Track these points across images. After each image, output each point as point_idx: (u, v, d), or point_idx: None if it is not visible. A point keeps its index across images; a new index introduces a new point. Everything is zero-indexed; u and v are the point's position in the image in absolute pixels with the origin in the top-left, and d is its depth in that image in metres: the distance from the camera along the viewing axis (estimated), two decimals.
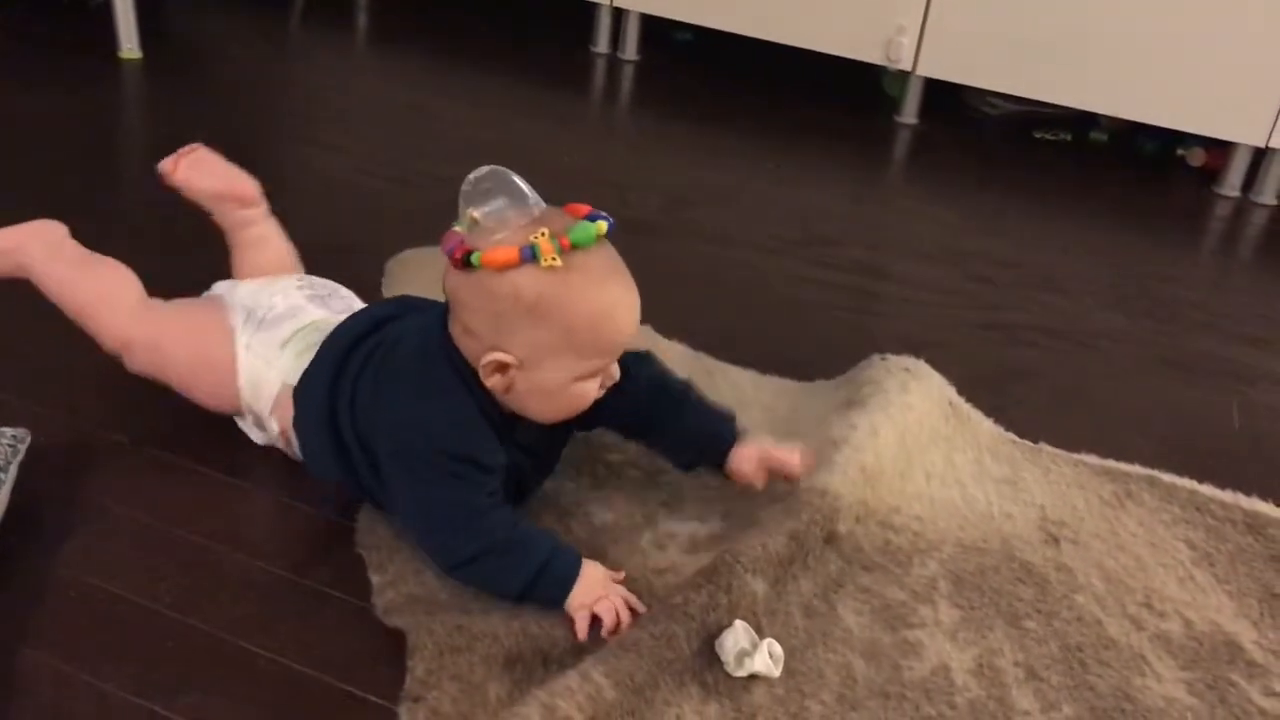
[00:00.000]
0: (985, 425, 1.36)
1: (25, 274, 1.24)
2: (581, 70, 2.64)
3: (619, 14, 2.66)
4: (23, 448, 1.09)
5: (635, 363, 1.12)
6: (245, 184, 1.32)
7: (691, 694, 0.94)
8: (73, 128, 1.98)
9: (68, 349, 1.26)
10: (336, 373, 1.07)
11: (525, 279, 0.96)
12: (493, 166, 0.98)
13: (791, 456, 1.13)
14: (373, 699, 0.92)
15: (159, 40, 2.33)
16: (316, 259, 1.35)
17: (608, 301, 0.99)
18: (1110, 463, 1.32)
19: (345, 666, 0.95)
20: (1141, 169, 2.42)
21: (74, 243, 1.26)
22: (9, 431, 1.09)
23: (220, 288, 1.24)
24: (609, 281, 0.99)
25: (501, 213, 0.96)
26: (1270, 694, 1.02)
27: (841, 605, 1.06)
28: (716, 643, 0.97)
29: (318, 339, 1.12)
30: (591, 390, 1.03)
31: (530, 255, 0.95)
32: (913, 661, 1.01)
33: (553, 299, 0.97)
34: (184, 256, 1.36)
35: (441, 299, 1.05)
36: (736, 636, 0.97)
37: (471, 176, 0.98)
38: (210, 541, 1.08)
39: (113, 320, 1.20)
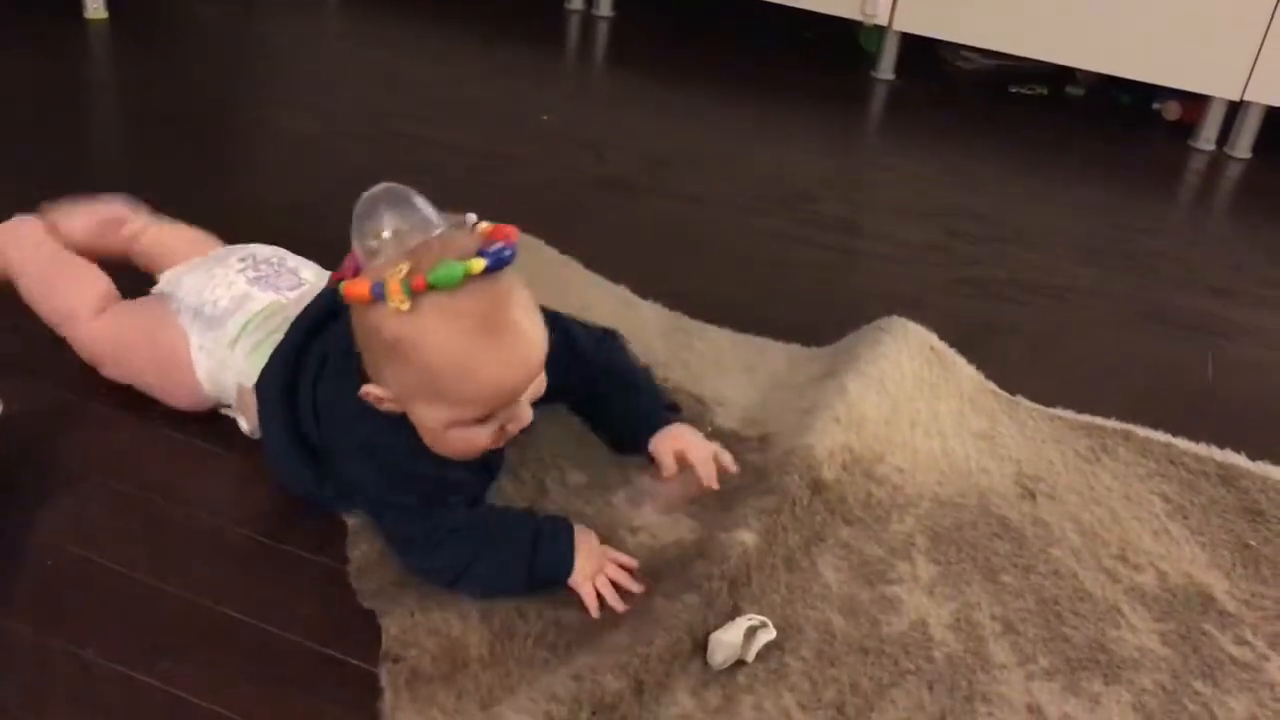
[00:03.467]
0: (968, 372, 1.36)
1: (6, 277, 1.24)
2: (556, 28, 2.61)
3: None
4: None
5: (594, 344, 1.10)
6: (113, 206, 1.29)
7: (690, 671, 0.94)
8: (37, 89, 1.94)
9: (38, 317, 1.25)
10: (292, 380, 1.03)
11: (382, 317, 0.89)
12: (389, 184, 0.90)
13: (707, 466, 1.06)
14: (353, 662, 0.93)
15: (125, 0, 2.29)
16: (287, 219, 1.34)
17: (468, 354, 0.88)
18: (1086, 417, 1.33)
19: (324, 630, 0.95)
20: (1117, 123, 2.42)
21: (50, 243, 1.24)
22: None
23: (166, 283, 1.19)
24: (475, 332, 0.88)
25: (394, 234, 0.89)
26: (1242, 643, 1.03)
27: (821, 560, 1.07)
28: (713, 637, 0.95)
29: (265, 333, 1.08)
30: (480, 437, 0.94)
31: (379, 294, 0.87)
32: (891, 617, 1.02)
33: (408, 343, 0.89)
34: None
35: None
36: (732, 639, 0.94)
37: (366, 194, 0.90)
38: (187, 507, 1.07)
39: (77, 335, 1.19)
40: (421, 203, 0.91)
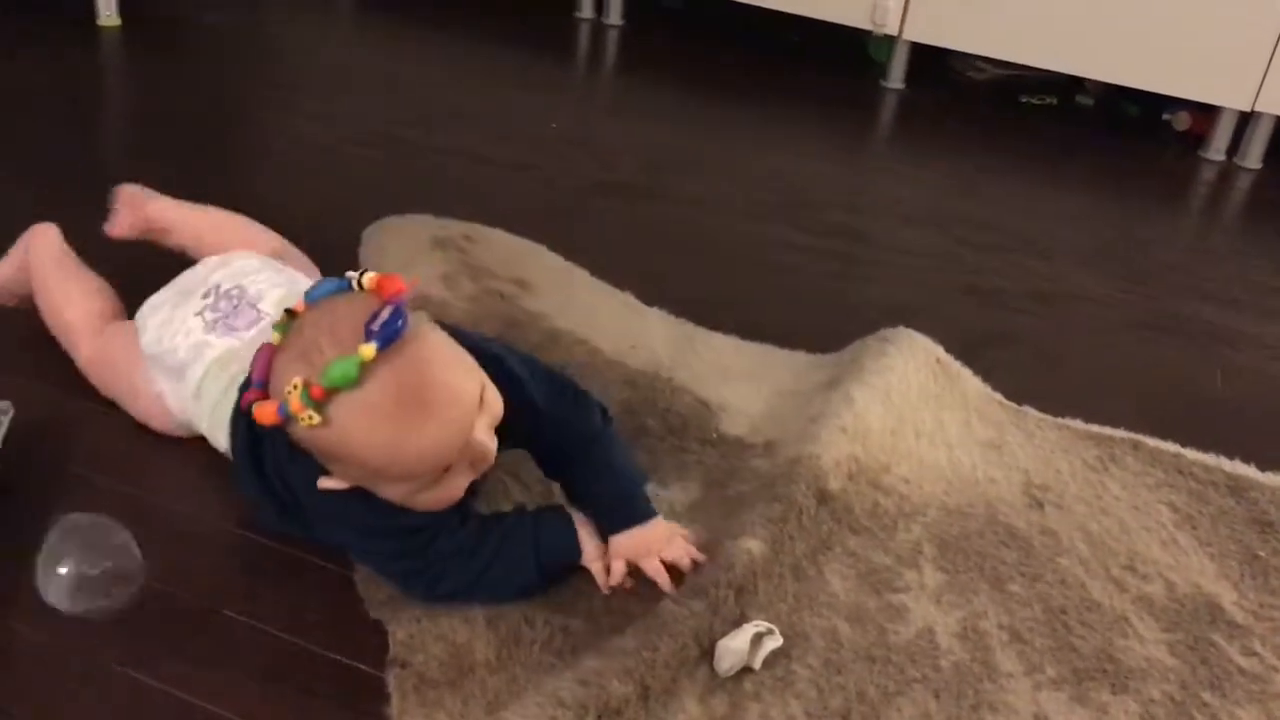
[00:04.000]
0: (974, 383, 1.36)
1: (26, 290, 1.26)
2: (566, 36, 2.61)
3: None
4: (5, 420, 1.08)
5: (550, 394, 1.02)
6: (131, 189, 1.31)
7: (697, 679, 0.94)
8: (51, 96, 1.95)
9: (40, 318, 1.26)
10: (257, 447, 0.99)
11: (302, 431, 0.86)
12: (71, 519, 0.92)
13: (660, 576, 1.00)
14: (361, 667, 0.93)
15: (137, 7, 2.30)
16: (293, 224, 1.34)
17: (396, 437, 0.85)
18: (1094, 427, 1.32)
19: (332, 635, 0.95)
20: (1127, 133, 2.42)
21: (64, 256, 1.26)
22: None
23: (144, 310, 1.17)
24: (395, 415, 0.85)
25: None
26: (1250, 653, 1.03)
27: (828, 569, 1.07)
28: (720, 644, 0.94)
29: (223, 383, 1.06)
30: (450, 489, 0.92)
31: (286, 415, 0.85)
32: (898, 625, 1.02)
33: (335, 447, 0.87)
34: None
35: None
36: (739, 646, 0.94)
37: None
38: (193, 511, 1.08)
39: (75, 357, 1.21)
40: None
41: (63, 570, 0.91)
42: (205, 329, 1.11)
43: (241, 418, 0.98)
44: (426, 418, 0.86)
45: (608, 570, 1.00)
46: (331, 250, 1.29)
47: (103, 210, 1.30)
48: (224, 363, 1.08)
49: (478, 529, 0.98)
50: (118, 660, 0.91)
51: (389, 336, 0.84)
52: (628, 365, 1.33)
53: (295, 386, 0.84)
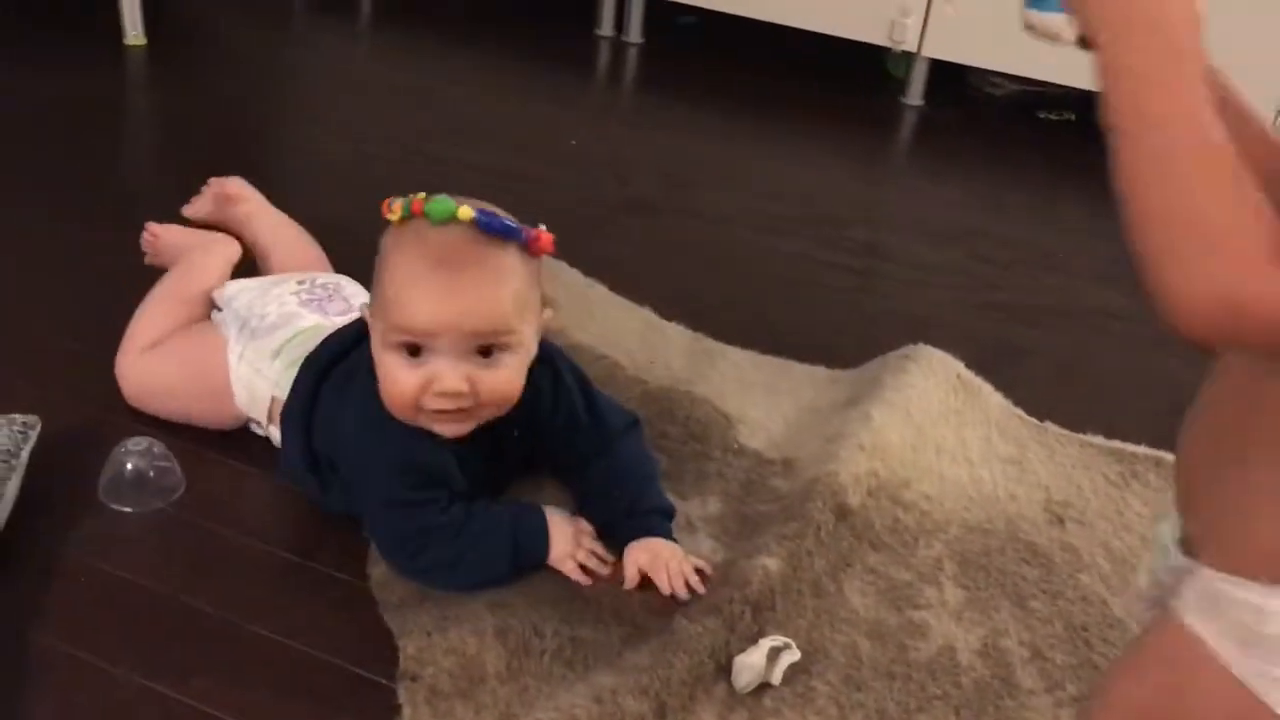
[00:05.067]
0: (995, 399, 1.36)
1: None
2: (586, 53, 2.63)
3: None
4: (33, 434, 1.09)
5: (614, 416, 1.13)
6: (229, 183, 1.41)
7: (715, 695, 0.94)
8: (78, 113, 1.97)
9: (76, 336, 1.27)
10: (313, 396, 1.08)
11: (385, 235, 1.01)
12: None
13: (676, 581, 1.03)
14: (383, 681, 0.93)
15: (163, 25, 2.33)
16: (319, 238, 1.36)
17: (411, 274, 0.96)
18: (1115, 443, 1.32)
19: (351, 648, 0.96)
20: None
21: (218, 274, 1.28)
22: (19, 418, 1.09)
23: (230, 289, 1.23)
24: (428, 261, 0.96)
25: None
26: None
27: (849, 585, 1.07)
28: (737, 660, 0.95)
29: (305, 349, 1.12)
30: (405, 376, 0.98)
31: (390, 203, 0.99)
32: (918, 642, 1.02)
33: (384, 254, 1.00)
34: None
35: None
36: (756, 661, 0.94)
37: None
38: (217, 526, 1.08)
39: (125, 355, 1.22)
40: None
41: (129, 466, 1.08)
42: (298, 304, 1.18)
43: (309, 369, 1.09)
44: (439, 282, 0.96)
45: (582, 568, 1.04)
46: (355, 264, 1.30)
47: (127, 225, 1.31)
48: (311, 334, 1.13)
49: (462, 513, 1.03)
50: (142, 674, 0.92)
51: (488, 221, 0.96)
52: (647, 381, 1.34)
53: (410, 195, 0.97)
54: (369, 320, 1.03)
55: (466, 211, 0.95)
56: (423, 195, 0.97)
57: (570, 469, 1.13)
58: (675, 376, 1.35)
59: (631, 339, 1.42)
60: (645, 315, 1.48)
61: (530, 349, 1.02)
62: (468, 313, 0.96)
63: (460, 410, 0.99)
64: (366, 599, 1.01)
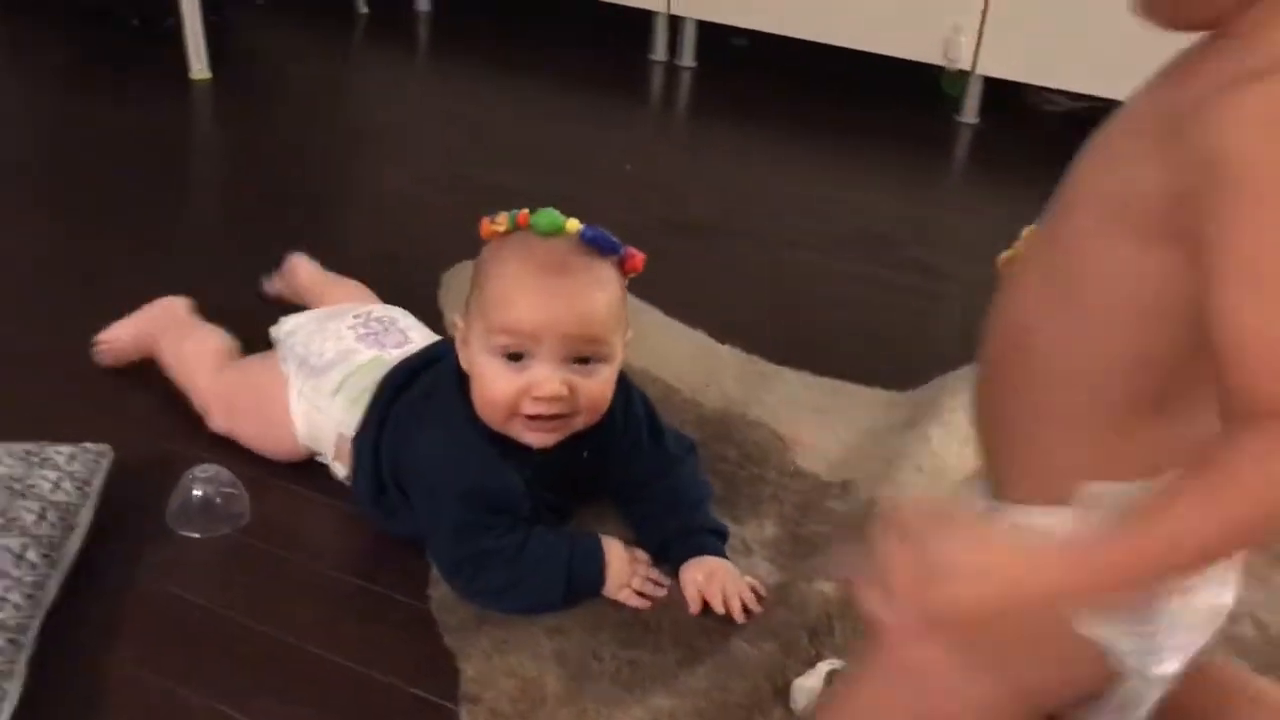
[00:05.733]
0: None
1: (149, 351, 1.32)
2: (639, 78, 2.65)
3: (676, 21, 2.67)
4: (105, 463, 1.13)
5: (671, 440, 1.15)
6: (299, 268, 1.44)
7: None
8: (144, 147, 2.03)
9: (150, 365, 1.31)
10: (382, 422, 1.10)
11: (484, 249, 1.04)
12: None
13: (732, 601, 1.03)
14: (446, 704, 0.94)
15: (227, 60, 2.39)
16: (374, 270, 1.38)
17: (516, 281, 1.00)
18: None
19: (413, 670, 0.97)
20: None
21: (192, 318, 1.33)
22: (92, 448, 1.13)
23: (286, 324, 1.26)
24: (533, 268, 1.00)
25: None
26: None
27: None
28: (795, 684, 0.95)
29: (365, 385, 1.14)
30: (496, 374, 1.00)
31: (492, 219, 1.03)
32: None
33: (486, 259, 1.03)
34: (247, 269, 1.40)
35: None
36: (814, 685, 0.94)
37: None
38: (280, 550, 1.11)
39: (195, 387, 1.25)
40: None
41: (196, 493, 1.11)
42: (355, 339, 1.20)
43: (379, 396, 1.12)
44: (544, 287, 0.99)
45: (638, 594, 1.05)
46: (412, 293, 1.32)
47: (196, 255, 1.35)
48: (369, 369, 1.15)
49: (522, 539, 1.03)
50: (208, 694, 0.94)
51: (595, 237, 1.01)
52: (702, 404, 1.34)
53: (514, 211, 1.02)
54: (461, 330, 1.05)
55: (574, 224, 1.01)
56: (526, 210, 1.02)
57: (629, 492, 1.14)
58: (730, 399, 1.35)
59: (686, 362, 1.43)
60: (699, 338, 1.49)
61: (619, 363, 1.05)
62: (570, 316, 0.99)
63: (555, 417, 1.01)
64: (427, 622, 1.03)
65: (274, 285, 1.46)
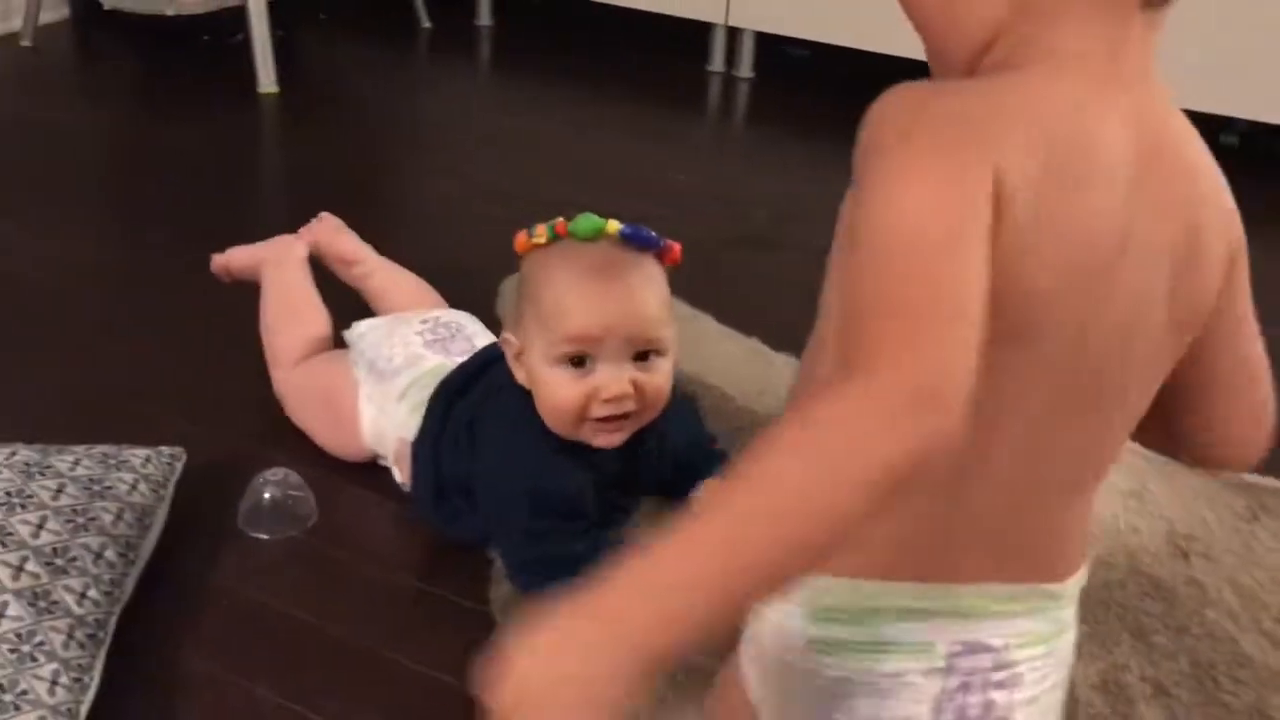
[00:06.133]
0: None
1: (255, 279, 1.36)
2: (697, 89, 2.66)
3: (734, 33, 2.68)
4: (179, 466, 1.16)
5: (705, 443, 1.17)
6: (346, 248, 1.42)
7: None
8: (213, 160, 2.09)
9: (221, 371, 1.35)
10: (439, 432, 1.12)
11: (525, 263, 1.06)
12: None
13: None
14: None
15: (294, 75, 2.44)
16: (435, 279, 1.41)
17: (569, 285, 1.01)
18: (1241, 475, 1.28)
19: (476, 671, 0.99)
20: (1278, 173, 2.34)
21: (300, 277, 1.35)
22: (166, 451, 1.16)
23: (359, 328, 1.28)
24: (584, 272, 1.01)
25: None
26: None
27: None
28: None
29: (428, 392, 1.16)
30: (561, 382, 1.02)
31: (531, 233, 1.04)
32: None
33: (532, 273, 1.04)
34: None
35: None
36: None
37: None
38: (346, 552, 1.13)
39: (275, 376, 1.29)
40: None
41: (266, 496, 1.14)
42: (423, 345, 1.22)
43: (436, 401, 1.13)
44: (598, 290, 1.00)
45: None
46: (470, 303, 1.34)
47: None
48: (433, 375, 1.17)
49: (591, 549, 1.04)
50: (279, 694, 0.97)
51: (635, 234, 1.03)
52: (757, 410, 1.35)
53: (550, 222, 1.03)
54: (514, 346, 1.06)
55: (614, 225, 1.02)
56: (562, 219, 1.03)
57: (684, 490, 1.14)
58: (783, 406, 1.36)
59: (739, 369, 1.43)
60: (754, 345, 1.49)
61: (674, 353, 1.06)
62: (628, 316, 1.01)
63: (623, 416, 1.03)
64: (489, 622, 1.04)
65: (302, 238, 1.42)
